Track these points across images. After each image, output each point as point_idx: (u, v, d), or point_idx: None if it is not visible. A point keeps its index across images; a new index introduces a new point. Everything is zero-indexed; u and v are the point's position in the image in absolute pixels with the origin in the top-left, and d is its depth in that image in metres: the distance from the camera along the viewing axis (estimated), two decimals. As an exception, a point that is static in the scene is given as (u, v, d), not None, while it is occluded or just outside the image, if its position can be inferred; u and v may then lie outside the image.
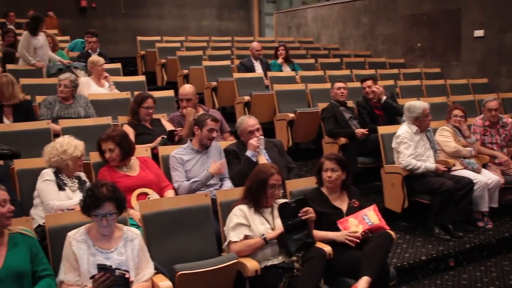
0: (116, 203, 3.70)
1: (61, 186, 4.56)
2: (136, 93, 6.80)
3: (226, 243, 4.31)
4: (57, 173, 4.63)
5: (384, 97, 7.63)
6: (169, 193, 5.02)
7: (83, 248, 3.70)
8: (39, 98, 6.94)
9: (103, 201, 3.65)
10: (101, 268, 3.48)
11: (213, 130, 5.38)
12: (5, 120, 6.37)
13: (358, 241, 4.48)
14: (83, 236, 3.74)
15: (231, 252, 4.21)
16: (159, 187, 5.00)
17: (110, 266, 3.52)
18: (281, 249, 4.32)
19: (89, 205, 3.69)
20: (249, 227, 4.30)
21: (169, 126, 6.21)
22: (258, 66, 10.26)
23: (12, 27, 12.13)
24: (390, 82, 9.91)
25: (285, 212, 4.30)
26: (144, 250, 3.88)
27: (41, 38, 8.99)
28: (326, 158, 4.81)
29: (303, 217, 4.31)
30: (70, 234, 3.75)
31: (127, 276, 3.51)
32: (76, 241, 3.70)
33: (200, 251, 4.32)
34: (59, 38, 11.32)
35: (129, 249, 3.78)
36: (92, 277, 3.49)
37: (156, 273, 3.88)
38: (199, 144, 5.36)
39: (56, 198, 4.48)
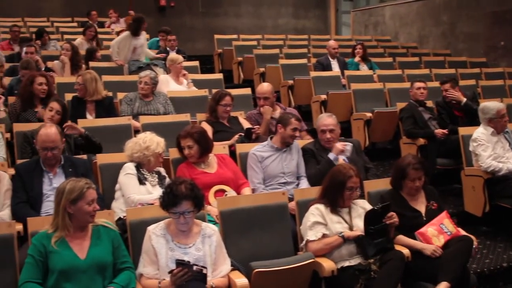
0: (194, 201, 3.75)
1: (141, 181, 4.67)
2: (214, 91, 6.88)
3: (303, 242, 4.28)
4: (138, 168, 4.75)
5: (464, 100, 7.40)
6: (246, 190, 5.05)
7: (162, 243, 3.77)
8: (120, 95, 7.12)
9: (181, 199, 3.71)
10: (180, 263, 3.54)
11: (296, 129, 5.39)
12: (88, 115, 6.56)
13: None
14: (163, 231, 3.81)
15: (309, 251, 4.18)
16: (236, 184, 5.03)
17: (188, 261, 3.57)
18: (357, 250, 4.26)
19: (168, 203, 3.75)
20: (326, 226, 4.27)
21: (246, 124, 6.24)
22: (335, 64, 10.18)
23: (95, 25, 12.55)
24: (471, 82, 9.62)
25: (370, 217, 4.23)
26: (222, 246, 3.91)
27: (142, 37, 9.29)
28: (412, 167, 4.61)
29: (387, 222, 4.24)
30: (150, 228, 3.82)
31: (204, 271, 3.55)
32: (155, 236, 3.78)
33: (276, 250, 4.33)
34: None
35: (206, 245, 3.83)
36: (170, 272, 3.56)
37: (232, 270, 3.90)
38: (281, 142, 5.36)
39: (136, 192, 4.60)
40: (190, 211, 3.73)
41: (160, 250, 3.75)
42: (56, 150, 4.56)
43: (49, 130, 4.61)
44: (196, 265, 3.57)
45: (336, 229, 4.27)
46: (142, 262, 3.78)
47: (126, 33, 9.17)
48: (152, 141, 4.79)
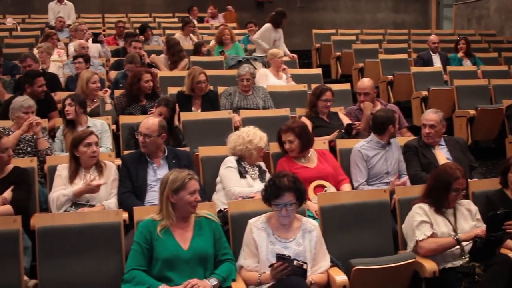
0: (296, 194, 3.75)
1: (242, 174, 4.73)
2: (313, 85, 6.86)
3: (413, 242, 4.16)
4: (239, 161, 4.81)
5: None
6: (346, 186, 5.00)
7: (263, 236, 3.80)
8: (220, 89, 7.23)
9: (284, 191, 3.71)
10: (280, 257, 3.55)
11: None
12: (193, 109, 6.71)
13: None
14: (264, 224, 3.84)
15: (420, 251, 4.09)
16: (336, 180, 4.99)
17: (289, 256, 3.58)
18: (461, 252, 4.12)
19: (270, 195, 3.77)
20: (432, 225, 4.15)
21: (346, 120, 6.18)
22: (436, 59, 9.90)
23: (194, 20, 12.81)
24: None
25: (492, 222, 4.06)
26: (322, 242, 3.90)
27: (280, 31, 9.64)
28: None
29: (507, 230, 4.06)
30: (252, 221, 3.86)
31: (304, 267, 3.55)
32: (256, 229, 3.81)
33: (375, 248, 4.27)
34: (237, 31, 11.68)
35: (307, 240, 3.82)
36: (271, 265, 3.57)
37: (331, 266, 3.88)
38: (388, 139, 5.28)
39: (237, 185, 4.66)
40: (292, 203, 3.73)
41: (260, 243, 3.78)
42: (148, 138, 4.69)
43: (150, 119, 4.82)
44: (297, 259, 3.57)
45: (441, 230, 4.14)
46: (243, 254, 3.83)
47: (268, 25, 9.52)
48: (255, 135, 4.84)
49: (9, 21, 12.95)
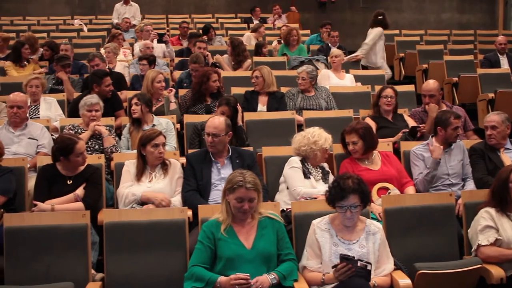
0: (361, 196, 3.73)
1: (306, 174, 4.73)
2: (376, 87, 6.82)
3: (474, 247, 4.10)
4: (303, 162, 4.82)
5: None
6: (410, 189, 4.93)
7: (326, 237, 3.79)
8: (282, 90, 7.24)
9: (348, 193, 3.70)
10: (344, 258, 3.54)
11: (457, 127, 5.19)
12: (260, 107, 6.78)
13: None
14: (327, 225, 3.84)
15: (480, 256, 4.01)
16: (399, 182, 4.93)
17: (353, 257, 3.56)
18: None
19: (335, 196, 3.76)
20: (498, 231, 4.06)
21: (411, 122, 6.11)
22: (504, 61, 9.63)
23: (257, 21, 12.87)
24: None
25: None
26: (385, 244, 3.87)
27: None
28: None
29: None
30: (315, 222, 3.87)
31: (368, 268, 3.53)
32: (320, 230, 3.82)
33: (440, 252, 4.21)
34: (300, 32, 11.66)
35: (370, 242, 3.80)
36: (334, 266, 3.56)
37: (395, 269, 3.84)
38: (442, 142, 5.18)
39: (302, 185, 4.67)
40: (357, 206, 3.72)
41: (324, 244, 3.78)
42: (216, 138, 4.73)
43: (216, 118, 4.87)
44: (361, 260, 3.55)
45: (508, 235, 4.04)
46: (306, 255, 3.83)
47: (379, 28, 9.70)
48: (320, 136, 4.83)
49: (77, 22, 13.34)
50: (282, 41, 10.08)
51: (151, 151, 4.72)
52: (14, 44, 8.80)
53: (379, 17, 9.79)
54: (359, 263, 3.53)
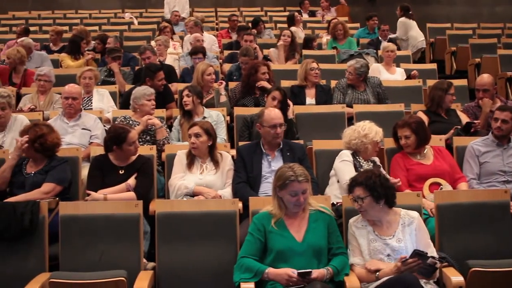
0: (368, 187, 3.73)
1: (357, 168, 4.69)
2: (428, 81, 6.72)
3: None
4: (354, 155, 4.79)
5: None
6: (463, 185, 4.85)
7: (364, 234, 3.80)
8: (332, 83, 7.20)
9: (354, 186, 3.79)
10: (417, 253, 3.52)
11: None
12: (308, 100, 6.77)
13: None
14: (363, 223, 3.84)
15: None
16: (452, 178, 4.85)
17: (426, 253, 3.54)
18: None
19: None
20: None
21: (464, 117, 6.01)
22: (560, 55, 9.39)
23: (306, 14, 12.81)
24: None
25: None
26: (423, 232, 3.84)
27: None
28: None
29: None
30: (351, 221, 3.89)
31: (437, 266, 3.52)
32: (356, 228, 3.83)
33: (494, 250, 4.10)
34: (349, 25, 11.56)
35: (407, 235, 3.78)
36: (404, 260, 3.53)
37: (447, 266, 3.79)
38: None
39: (353, 179, 4.63)
40: (363, 198, 3.73)
41: (362, 242, 3.78)
42: (282, 128, 4.78)
43: (276, 110, 4.91)
44: (433, 257, 3.54)
45: None
46: (350, 252, 3.84)
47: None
48: (371, 129, 4.79)
49: (127, 16, 13.55)
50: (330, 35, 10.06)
51: (189, 141, 4.82)
52: (72, 38, 8.99)
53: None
54: (429, 260, 3.51)
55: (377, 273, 3.62)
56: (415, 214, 3.89)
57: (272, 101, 5.64)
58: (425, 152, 4.93)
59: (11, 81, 7.56)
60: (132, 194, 4.57)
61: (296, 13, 11.43)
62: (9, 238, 3.99)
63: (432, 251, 3.76)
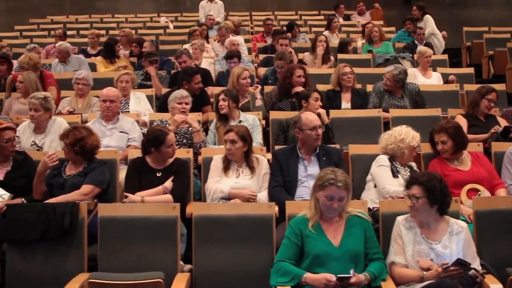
0: (426, 189, 3.70)
1: (394, 173, 4.68)
2: (465, 85, 6.64)
3: None
4: (391, 160, 4.77)
5: None
6: (501, 191, 4.77)
7: (410, 235, 3.77)
8: (368, 87, 7.18)
9: (413, 183, 3.75)
10: (460, 263, 3.49)
11: None
12: (343, 104, 6.77)
13: None
14: (411, 223, 3.81)
15: None
16: (490, 184, 4.78)
17: (469, 264, 3.52)
18: None
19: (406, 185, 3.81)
20: None
21: (504, 123, 5.92)
22: None
23: (340, 18, 12.78)
24: None
25: None
26: (470, 244, 3.79)
27: None
28: None
29: None
30: (400, 218, 3.86)
31: (478, 280, 3.49)
32: (404, 227, 3.80)
33: (535, 257, 4.04)
34: (384, 29, 11.50)
35: (454, 243, 3.73)
36: (446, 267, 3.50)
37: (485, 273, 3.74)
38: None
39: (391, 183, 4.62)
40: (418, 197, 3.69)
41: (407, 242, 3.75)
42: (320, 129, 4.81)
43: (312, 114, 4.93)
44: (476, 269, 3.51)
45: None
46: (392, 250, 3.81)
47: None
48: (407, 134, 4.77)
49: (163, 20, 13.69)
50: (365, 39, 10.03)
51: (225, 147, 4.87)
52: (107, 41, 9.11)
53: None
54: (471, 272, 3.48)
55: (424, 273, 3.60)
56: (464, 224, 3.86)
57: (315, 102, 5.68)
58: (462, 157, 4.87)
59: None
60: (169, 196, 4.61)
61: (335, 19, 11.45)
62: (49, 238, 4.07)
63: (477, 265, 3.72)
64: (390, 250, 3.83)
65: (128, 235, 4.06)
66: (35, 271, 4.05)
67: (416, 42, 9.85)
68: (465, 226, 3.83)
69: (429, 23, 11.10)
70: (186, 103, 5.81)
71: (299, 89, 6.45)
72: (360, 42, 10.51)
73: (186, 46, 9.27)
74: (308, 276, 3.60)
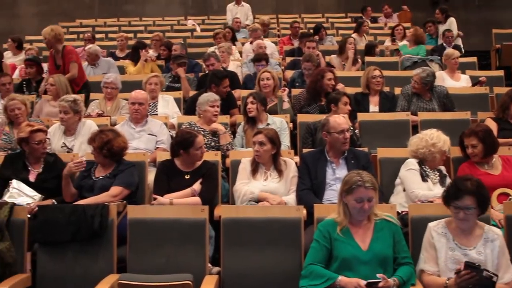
0: (477, 198, 3.62)
1: (424, 177, 4.65)
2: (495, 88, 6.57)
3: None
4: (420, 164, 4.73)
5: None
6: (532, 196, 4.71)
7: (443, 241, 3.71)
8: (396, 90, 7.14)
9: (464, 194, 3.62)
10: (469, 266, 3.43)
11: None
12: (371, 107, 6.76)
13: None
14: (443, 229, 3.75)
15: None
16: (521, 189, 4.73)
17: (479, 265, 3.46)
18: None
19: (451, 195, 3.69)
20: None
21: (534, 126, 5.85)
22: None
23: (367, 21, 12.73)
24: None
25: None
26: (505, 252, 3.72)
27: None
28: None
29: None
30: (431, 225, 3.79)
31: (494, 279, 3.41)
32: (436, 233, 3.74)
33: None
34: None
35: (488, 250, 3.67)
36: (457, 272, 3.47)
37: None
38: None
39: (420, 187, 4.58)
40: (471, 208, 3.61)
41: (440, 248, 3.70)
42: (348, 132, 4.80)
43: (340, 117, 4.93)
44: (487, 270, 3.44)
45: None
46: (423, 258, 3.77)
47: None
48: (439, 138, 4.73)
49: (190, 23, 13.76)
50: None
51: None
52: (135, 44, 9.21)
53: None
54: (484, 273, 3.41)
55: (446, 282, 3.56)
56: (499, 231, 3.80)
57: (344, 106, 5.69)
58: (493, 161, 4.82)
59: (56, 64, 7.62)
60: (197, 199, 4.64)
61: (365, 22, 11.42)
62: (80, 239, 4.11)
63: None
64: (420, 257, 3.80)
65: (157, 237, 4.09)
66: (66, 272, 4.09)
67: (444, 44, 9.77)
68: (500, 234, 3.77)
69: (453, 26, 11.03)
70: (218, 106, 5.84)
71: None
72: (388, 43, 10.50)
73: (211, 48, 9.32)
74: (342, 278, 3.57)
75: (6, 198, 4.64)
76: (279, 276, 3.99)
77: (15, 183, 4.78)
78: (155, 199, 4.61)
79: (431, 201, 4.40)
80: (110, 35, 12.44)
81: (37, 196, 4.74)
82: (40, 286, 4.11)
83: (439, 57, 8.83)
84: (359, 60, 8.73)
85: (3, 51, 9.49)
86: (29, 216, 4.29)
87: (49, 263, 4.13)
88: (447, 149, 4.78)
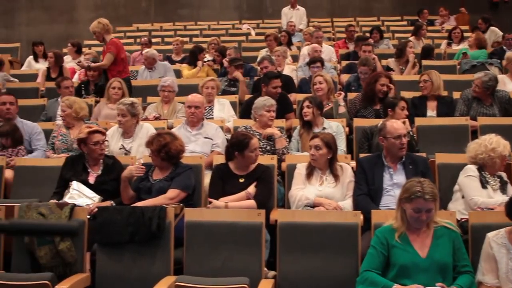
0: None
1: (483, 184, 4.54)
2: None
3: None
4: (480, 170, 4.63)
5: None
6: None
7: (503, 252, 3.63)
8: (455, 94, 7.00)
9: None
10: None
11: None
12: (429, 112, 6.64)
13: None
14: (503, 240, 3.66)
15: None
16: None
17: None
18: None
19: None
20: None
21: None
22: None
23: (424, 23, 12.55)
24: None
25: None
26: None
27: None
28: None
29: None
30: (490, 235, 3.71)
31: None
32: (496, 244, 3.66)
33: None
34: (469, 34, 11.20)
35: None
36: None
37: None
38: None
39: (479, 195, 4.48)
40: None
41: (500, 259, 3.62)
42: (406, 137, 4.73)
43: (397, 121, 4.86)
44: None
45: None
46: (481, 269, 3.69)
47: None
48: (498, 143, 4.62)
49: (245, 27, 13.84)
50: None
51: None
52: (193, 48, 9.32)
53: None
54: None
55: None
56: None
57: (401, 111, 5.63)
58: (557, 168, 4.69)
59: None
60: (252, 202, 4.65)
61: (424, 26, 11.28)
62: (138, 241, 4.17)
63: None
64: (478, 269, 3.71)
65: (214, 240, 4.12)
66: (124, 272, 4.16)
67: (504, 47, 9.53)
68: None
69: (493, 35, 10.83)
70: (274, 111, 5.84)
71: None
72: (443, 46, 10.35)
73: (263, 51, 9.34)
74: (397, 287, 3.52)
75: (67, 199, 4.76)
76: (335, 281, 3.97)
77: (75, 184, 4.90)
78: (210, 202, 4.64)
79: (491, 209, 4.29)
80: (166, 39, 12.60)
81: (97, 197, 4.84)
82: (99, 285, 4.19)
83: (498, 61, 8.60)
84: (417, 63, 8.59)
85: (63, 55, 9.71)
86: (88, 217, 4.38)
87: (108, 263, 4.21)
88: (508, 154, 4.65)
